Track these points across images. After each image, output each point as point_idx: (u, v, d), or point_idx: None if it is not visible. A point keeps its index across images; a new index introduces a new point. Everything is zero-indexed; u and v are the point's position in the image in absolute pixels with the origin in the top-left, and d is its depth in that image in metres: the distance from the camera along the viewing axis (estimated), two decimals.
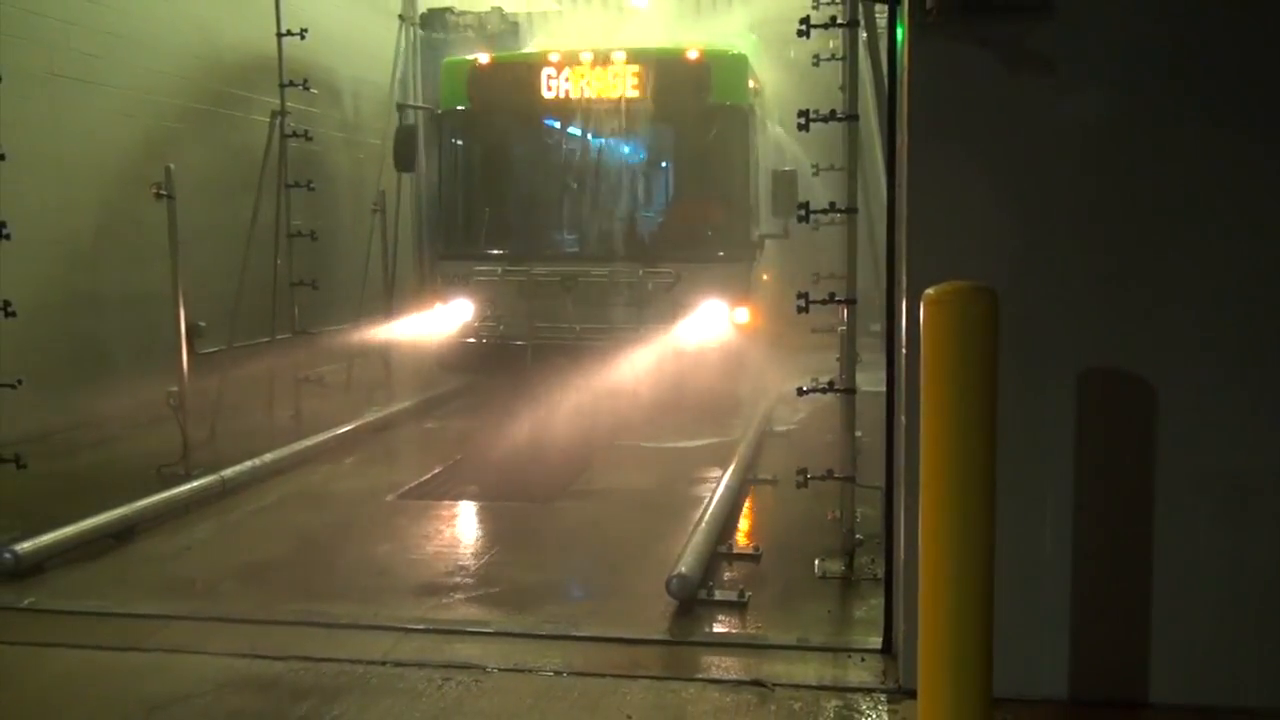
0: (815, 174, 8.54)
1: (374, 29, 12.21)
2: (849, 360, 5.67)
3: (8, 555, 5.64)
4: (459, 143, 10.46)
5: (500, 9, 13.11)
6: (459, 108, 10.33)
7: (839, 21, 5.43)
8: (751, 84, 10.10)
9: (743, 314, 9.54)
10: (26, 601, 5.37)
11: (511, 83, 10.18)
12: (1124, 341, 3.75)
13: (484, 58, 10.40)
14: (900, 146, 4.01)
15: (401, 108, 10.77)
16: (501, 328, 9.78)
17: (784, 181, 8.85)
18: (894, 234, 4.14)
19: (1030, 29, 3.64)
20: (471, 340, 9.98)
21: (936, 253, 3.77)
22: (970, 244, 3.79)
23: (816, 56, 7.68)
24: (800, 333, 7.76)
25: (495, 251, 10.05)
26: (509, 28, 12.67)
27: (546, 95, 10.00)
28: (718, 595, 5.18)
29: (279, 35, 9.36)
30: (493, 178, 10.08)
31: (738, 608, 5.11)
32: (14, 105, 6.40)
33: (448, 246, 10.38)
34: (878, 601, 4.65)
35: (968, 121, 3.76)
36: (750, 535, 6.40)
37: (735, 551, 5.89)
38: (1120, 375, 3.74)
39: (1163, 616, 3.79)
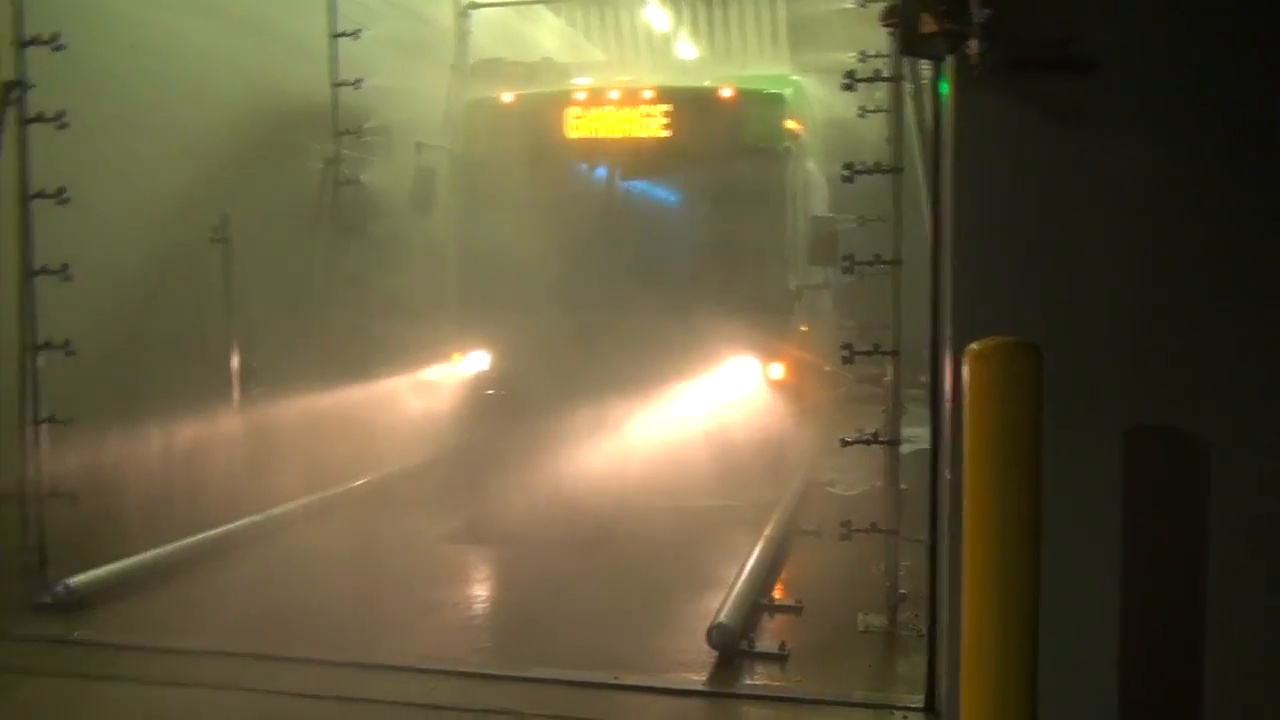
0: (860, 224, 8.42)
1: (428, 78, 12.43)
2: (894, 412, 5.64)
3: (60, 588, 5.78)
4: (482, 183, 9.89)
5: (550, 59, 13.31)
6: (482, 147, 9.87)
7: (884, 75, 5.47)
8: (790, 126, 9.75)
9: (778, 369, 9.16)
10: (76, 634, 5.48)
11: (536, 121, 9.74)
12: (1175, 398, 3.70)
13: (508, 96, 9.98)
14: (944, 199, 4.01)
15: (420, 147, 10.22)
16: (522, 378, 9.28)
17: (824, 229, 8.57)
18: (937, 286, 4.13)
19: (1075, 84, 3.65)
20: (491, 391, 9.56)
21: (980, 306, 3.75)
22: (1015, 298, 3.77)
23: (863, 108, 7.69)
24: (842, 385, 7.64)
25: (516, 298, 9.47)
26: (558, 77, 12.74)
27: (573, 134, 9.58)
28: (758, 647, 5.15)
29: (334, 85, 9.60)
30: (515, 220, 9.48)
31: (778, 660, 5.07)
32: (80, 153, 6.59)
33: (468, 292, 9.89)
34: (921, 657, 4.59)
35: (1012, 175, 3.76)
36: (793, 587, 6.34)
37: (777, 603, 5.85)
38: (1171, 432, 3.69)
39: (1215, 682, 3.70)
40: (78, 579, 5.82)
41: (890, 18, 3.76)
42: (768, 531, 6.84)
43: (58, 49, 6.13)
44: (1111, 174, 3.69)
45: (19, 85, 6.14)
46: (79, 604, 5.77)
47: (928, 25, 3.53)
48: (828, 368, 9.56)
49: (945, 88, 4.02)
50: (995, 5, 3.47)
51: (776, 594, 6.07)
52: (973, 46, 3.48)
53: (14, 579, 5.86)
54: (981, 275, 3.84)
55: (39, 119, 6.15)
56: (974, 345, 3.09)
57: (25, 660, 5.11)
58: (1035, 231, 3.78)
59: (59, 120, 6.15)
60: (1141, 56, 3.65)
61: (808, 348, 9.76)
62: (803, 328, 9.99)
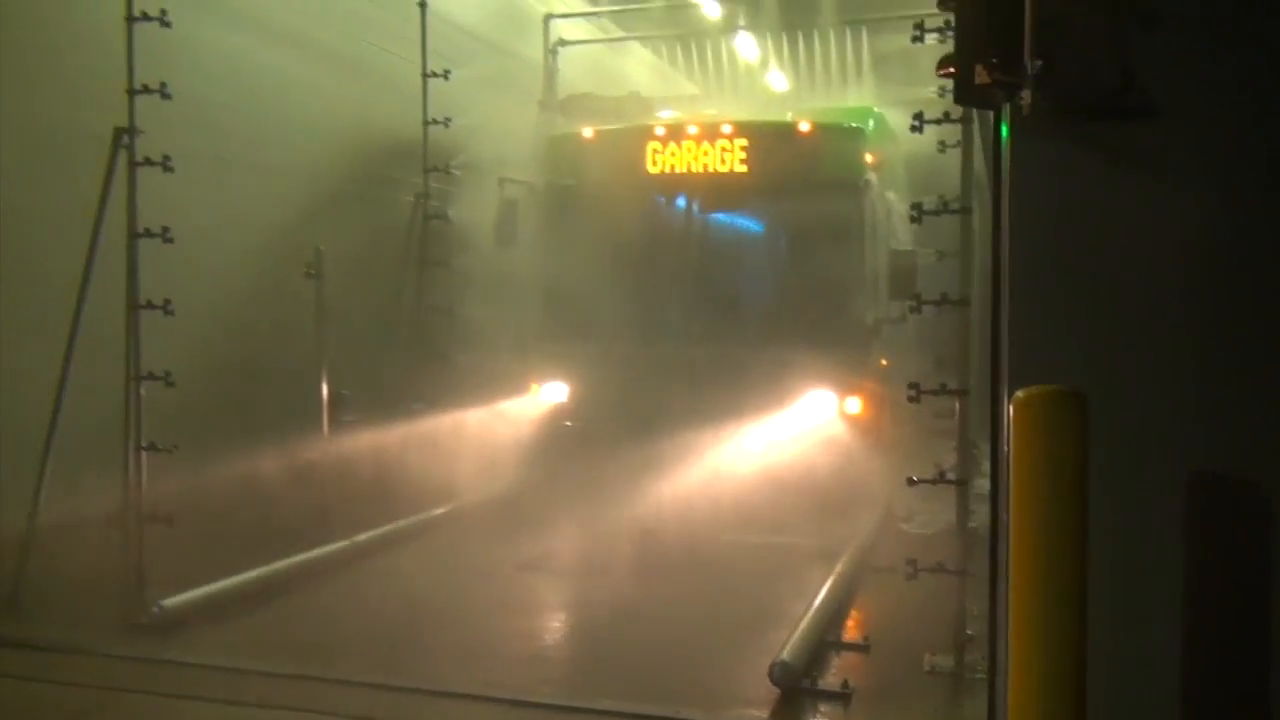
0: (939, 259, 8.32)
1: (517, 114, 12.73)
2: (963, 451, 5.62)
3: (155, 609, 6.08)
4: (563, 217, 10.03)
5: (636, 93, 13.49)
6: (563, 182, 10.02)
7: (952, 117, 5.49)
8: (869, 159, 9.73)
9: (854, 403, 9.13)
10: (168, 654, 5.74)
11: (616, 156, 9.87)
12: (1236, 444, 3.65)
13: (588, 131, 10.17)
14: (1002, 242, 4.03)
15: (503, 182, 10.40)
16: (600, 410, 9.34)
17: (903, 263, 8.51)
18: (997, 328, 4.14)
19: (1134, 130, 3.64)
20: (570, 423, 9.66)
21: (1037, 349, 3.76)
22: (1073, 341, 3.76)
23: (942, 143, 7.67)
24: (924, 420, 7.52)
25: (594, 330, 9.55)
26: (644, 111, 12.85)
27: (651, 169, 9.68)
28: (821, 685, 5.17)
29: (425, 124, 9.95)
30: (593, 254, 9.62)
31: (840, 699, 5.09)
32: (183, 189, 6.93)
33: (545, 325, 10.00)
34: (984, 699, 4.56)
35: (1069, 220, 3.76)
36: (861, 625, 6.33)
37: (844, 641, 5.85)
38: (1232, 479, 3.64)
39: None
40: (170, 600, 6.11)
41: (945, 68, 3.81)
42: (838, 568, 6.84)
43: (165, 97, 6.48)
44: (1171, 220, 3.67)
45: (129, 131, 6.52)
46: (173, 624, 6.05)
47: (981, 76, 3.58)
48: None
49: (1006, 131, 4.05)
50: (1047, 56, 3.51)
51: (845, 632, 6.06)
52: (1026, 97, 3.51)
53: (113, 599, 6.18)
54: (1038, 318, 3.85)
55: (146, 162, 6.51)
56: (1020, 393, 3.11)
57: (119, 678, 5.40)
58: (1093, 275, 3.77)
59: (164, 164, 6.50)
60: (1202, 101, 3.64)
61: (887, 382, 9.65)
62: (883, 361, 9.89)
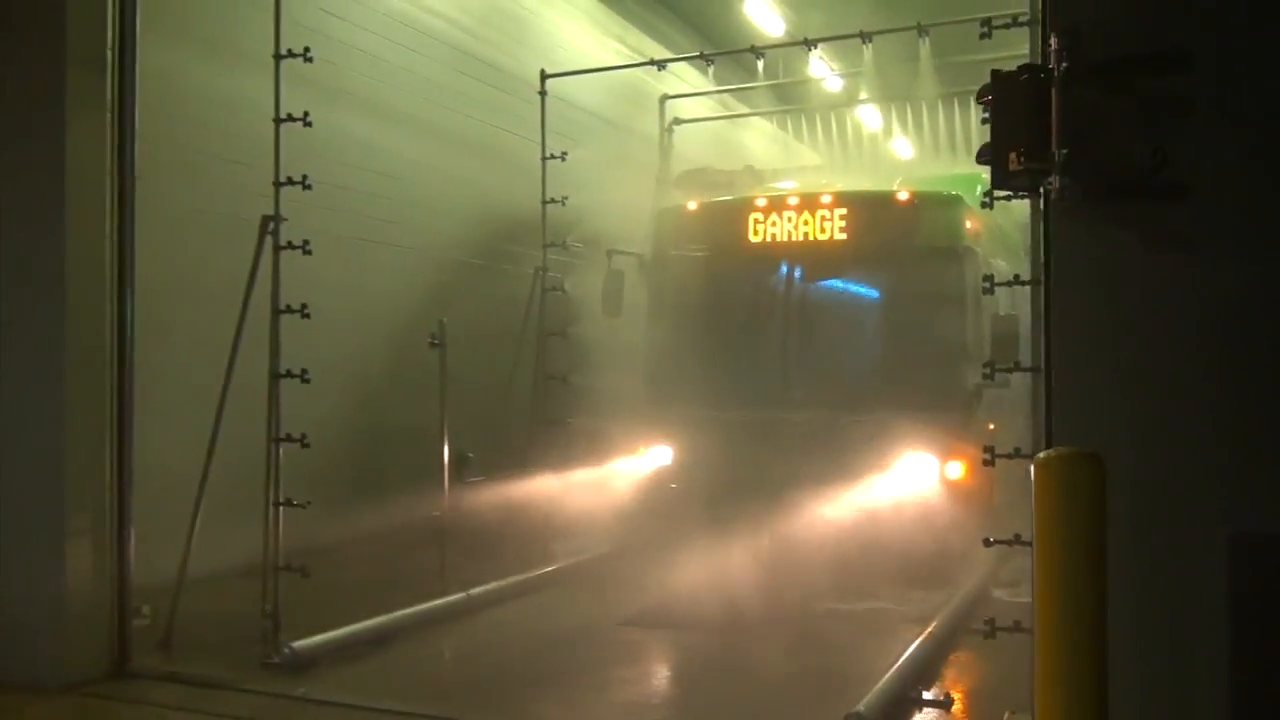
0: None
1: (635, 189, 13.31)
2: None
3: (287, 650, 6.65)
4: (669, 287, 10.49)
5: (751, 166, 13.91)
6: (670, 252, 10.52)
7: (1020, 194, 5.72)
8: (969, 226, 9.87)
9: (955, 468, 9.21)
10: (300, 691, 6.31)
11: (719, 227, 10.32)
12: (1274, 507, 3.79)
13: (693, 204, 10.68)
14: (1053, 313, 4.28)
15: (611, 254, 10.94)
16: (705, 473, 9.64)
17: (1004, 328, 8.60)
18: (1050, 395, 4.37)
19: (1164, 209, 3.88)
20: (675, 485, 9.97)
21: (1077, 415, 3.99)
22: (1114, 405, 3.98)
23: None
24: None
25: (698, 395, 9.86)
26: (758, 184, 13.19)
27: (753, 239, 10.06)
28: None
29: (544, 202, 10.62)
30: (697, 321, 10.14)
31: None
32: (322, 267, 7.58)
33: (651, 390, 10.40)
34: None
35: (1105, 293, 4.01)
36: (946, 682, 6.46)
37: (925, 698, 5.99)
38: (1274, 539, 3.77)
39: None
40: (300, 643, 6.68)
41: (984, 156, 4.12)
42: (929, 628, 6.97)
43: (306, 188, 7.19)
44: (1203, 293, 3.87)
45: (274, 219, 7.25)
46: (304, 664, 6.61)
47: (1014, 164, 3.88)
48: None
49: None
50: (1077, 142, 3.79)
51: (928, 687, 6.19)
52: (1055, 182, 3.80)
53: (251, 640, 6.80)
54: (1082, 383, 4.07)
55: (289, 246, 7.22)
56: (1040, 455, 3.34)
57: (255, 711, 5.98)
58: (1133, 344, 3.99)
59: (304, 247, 7.19)
60: (1231, 180, 3.86)
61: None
62: (990, 426, 9.89)
